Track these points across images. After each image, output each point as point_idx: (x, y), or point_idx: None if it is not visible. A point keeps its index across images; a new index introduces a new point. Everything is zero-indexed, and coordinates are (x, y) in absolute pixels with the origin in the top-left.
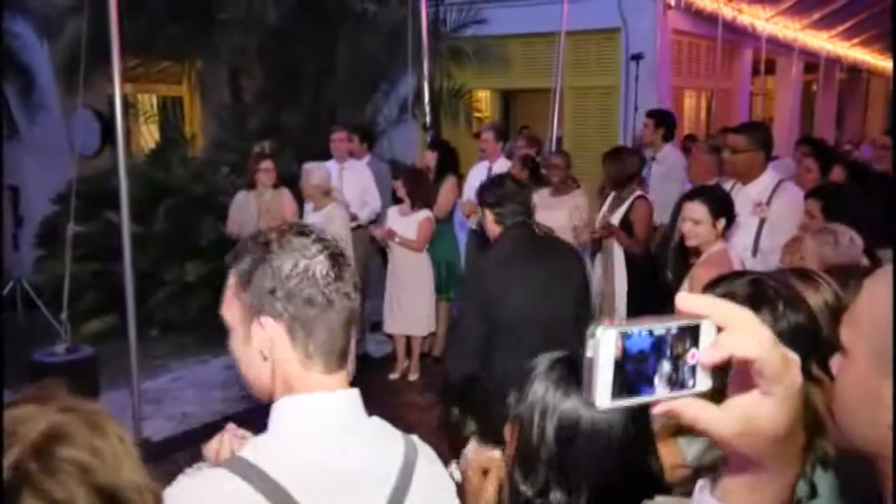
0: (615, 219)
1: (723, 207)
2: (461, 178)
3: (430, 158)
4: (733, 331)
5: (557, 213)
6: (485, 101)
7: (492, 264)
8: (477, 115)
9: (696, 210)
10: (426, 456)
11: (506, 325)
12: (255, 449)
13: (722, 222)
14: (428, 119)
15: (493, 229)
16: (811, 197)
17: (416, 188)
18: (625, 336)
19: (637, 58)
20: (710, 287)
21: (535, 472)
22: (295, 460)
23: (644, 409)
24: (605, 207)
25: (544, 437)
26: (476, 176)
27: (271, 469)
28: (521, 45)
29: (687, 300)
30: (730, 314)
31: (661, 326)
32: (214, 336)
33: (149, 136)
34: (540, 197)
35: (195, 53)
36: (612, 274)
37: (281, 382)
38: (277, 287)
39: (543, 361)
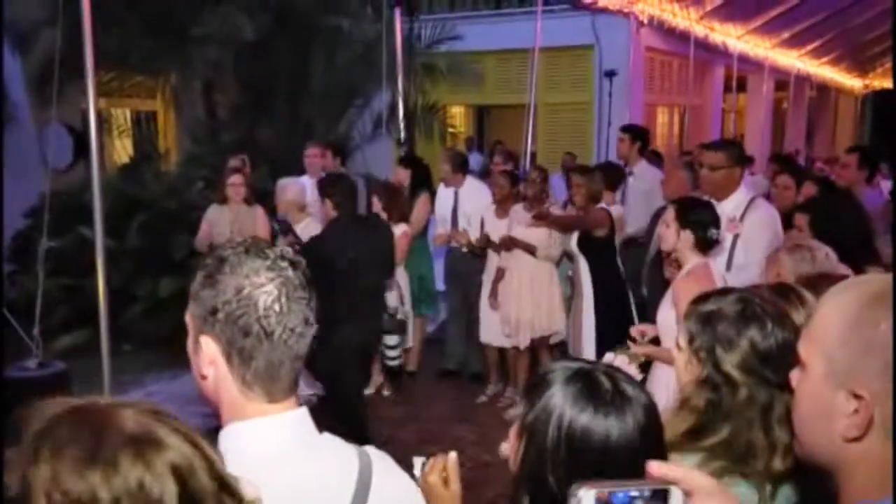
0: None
1: (692, 220)
2: (434, 195)
3: (404, 176)
4: (699, 499)
5: (535, 230)
6: (459, 116)
7: (332, 237)
8: (451, 130)
9: (668, 213)
10: (382, 465)
11: (340, 275)
12: None
13: (687, 235)
14: (402, 135)
15: (332, 214)
16: (800, 210)
17: (392, 203)
18: (607, 498)
19: (610, 74)
20: (698, 303)
21: (546, 494)
22: None
23: (660, 436)
24: None
25: (559, 450)
26: (444, 201)
27: None
28: (495, 61)
29: (659, 467)
30: (697, 483)
31: (636, 489)
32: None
33: (122, 150)
34: (515, 213)
35: (169, 68)
36: (580, 312)
37: (225, 405)
38: (219, 308)
39: (559, 372)
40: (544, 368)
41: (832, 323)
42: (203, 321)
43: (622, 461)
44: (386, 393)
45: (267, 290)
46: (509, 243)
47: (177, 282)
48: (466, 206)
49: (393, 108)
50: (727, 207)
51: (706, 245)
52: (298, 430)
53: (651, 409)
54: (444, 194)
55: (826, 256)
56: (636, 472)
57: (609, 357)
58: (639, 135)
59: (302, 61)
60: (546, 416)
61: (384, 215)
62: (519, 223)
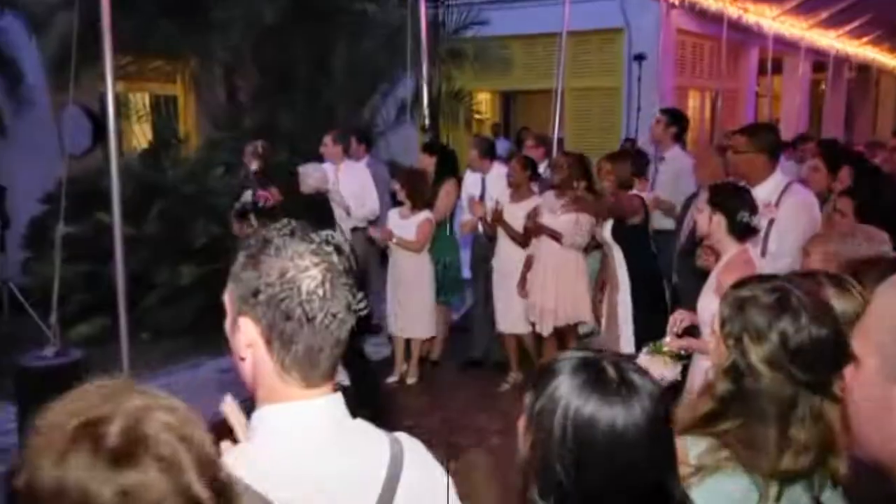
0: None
1: (724, 204)
2: (460, 181)
3: (428, 162)
4: None
5: (563, 217)
6: (485, 102)
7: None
8: (477, 116)
9: (702, 198)
10: (414, 453)
11: None
12: (235, 459)
13: (719, 218)
14: (427, 121)
15: (278, 198)
16: (844, 195)
17: (416, 189)
18: None
19: (640, 58)
20: (736, 287)
21: (553, 483)
22: (278, 472)
23: (668, 426)
24: None
25: (565, 439)
26: (471, 187)
27: (253, 480)
28: (521, 46)
29: None
30: None
31: None
32: (209, 339)
33: (141, 135)
34: (545, 199)
35: (190, 51)
36: (614, 303)
37: (262, 388)
38: (260, 290)
39: (566, 362)
40: (550, 358)
41: (884, 316)
42: (244, 302)
43: (629, 449)
44: (410, 381)
45: (311, 274)
46: (536, 230)
47: (196, 269)
48: (494, 192)
49: (417, 95)
50: (761, 193)
51: (740, 230)
52: (330, 415)
53: (659, 397)
54: (471, 180)
55: (880, 241)
56: (644, 459)
57: (644, 356)
58: (677, 119)
59: (324, 46)
60: (552, 405)
61: (408, 202)
62: (550, 210)
